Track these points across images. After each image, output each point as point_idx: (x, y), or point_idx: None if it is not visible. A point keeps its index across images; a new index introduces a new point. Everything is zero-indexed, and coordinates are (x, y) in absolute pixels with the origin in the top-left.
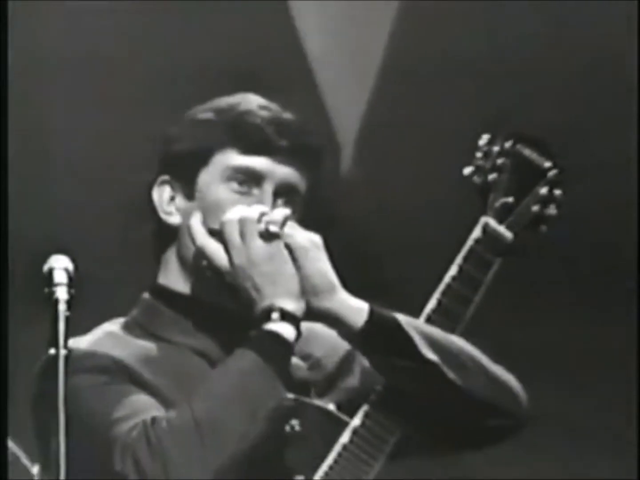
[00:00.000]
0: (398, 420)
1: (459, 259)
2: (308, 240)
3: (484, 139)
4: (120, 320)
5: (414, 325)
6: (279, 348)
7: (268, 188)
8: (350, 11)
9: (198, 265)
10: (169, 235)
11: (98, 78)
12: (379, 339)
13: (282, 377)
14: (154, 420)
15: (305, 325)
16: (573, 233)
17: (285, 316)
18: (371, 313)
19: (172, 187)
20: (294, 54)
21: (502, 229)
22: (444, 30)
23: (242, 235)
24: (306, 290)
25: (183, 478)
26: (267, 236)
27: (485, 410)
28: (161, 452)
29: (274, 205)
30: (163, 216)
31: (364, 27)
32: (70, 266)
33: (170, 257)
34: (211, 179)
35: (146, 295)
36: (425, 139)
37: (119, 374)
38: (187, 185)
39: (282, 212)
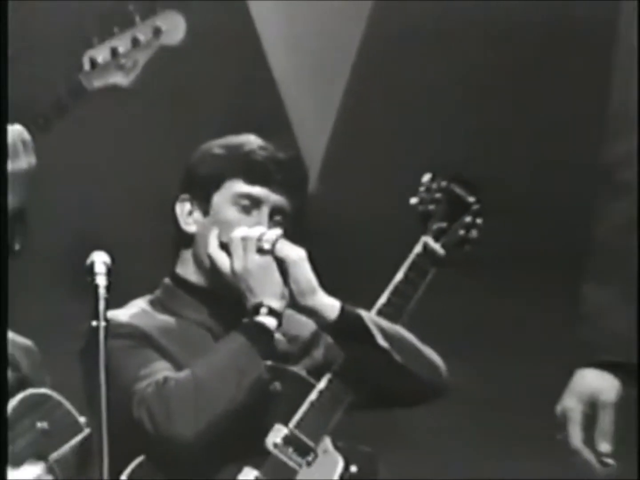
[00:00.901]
0: (352, 386)
1: (404, 267)
2: (296, 254)
3: (427, 177)
4: (148, 297)
5: (372, 319)
6: (263, 335)
7: (265, 210)
8: (316, 38)
9: (208, 266)
10: (187, 239)
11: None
12: (346, 330)
13: (264, 356)
14: (165, 379)
15: (287, 312)
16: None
17: (271, 311)
18: (342, 310)
19: (191, 204)
20: (266, 82)
21: (437, 247)
22: (404, 64)
23: (244, 249)
24: (295, 292)
25: (182, 426)
26: (262, 251)
27: (416, 381)
28: (167, 405)
29: (269, 224)
30: (183, 225)
31: (329, 57)
32: (107, 259)
33: (187, 256)
34: (222, 201)
35: (167, 280)
36: (380, 170)
37: (142, 340)
38: (203, 204)
39: (275, 232)
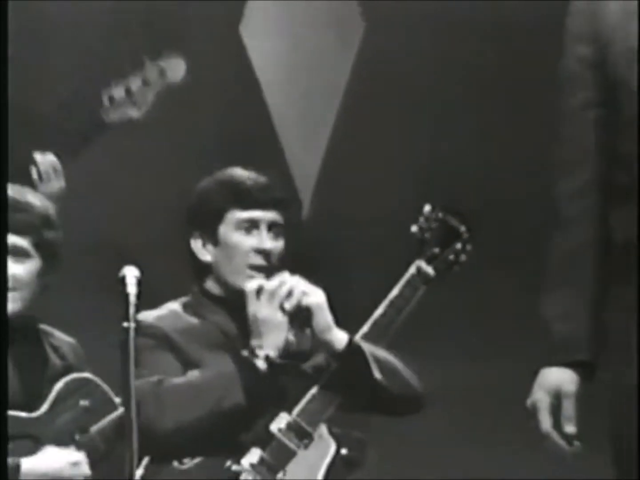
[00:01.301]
0: (343, 393)
1: (399, 285)
2: (318, 301)
3: (427, 208)
4: (182, 300)
5: (370, 350)
6: (252, 373)
7: (263, 228)
8: (308, 66)
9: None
10: (205, 267)
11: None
12: (349, 359)
13: (247, 389)
14: (159, 381)
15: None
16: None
17: (266, 357)
18: (349, 342)
19: (202, 238)
20: (262, 118)
21: (429, 269)
22: (395, 98)
23: (258, 299)
24: (315, 330)
25: (171, 422)
26: (283, 310)
27: (395, 397)
28: (157, 400)
29: (270, 236)
30: (200, 257)
31: (321, 89)
32: (137, 273)
33: (210, 278)
34: (227, 230)
35: (195, 289)
36: (371, 194)
37: (162, 341)
38: (212, 236)
39: (298, 288)
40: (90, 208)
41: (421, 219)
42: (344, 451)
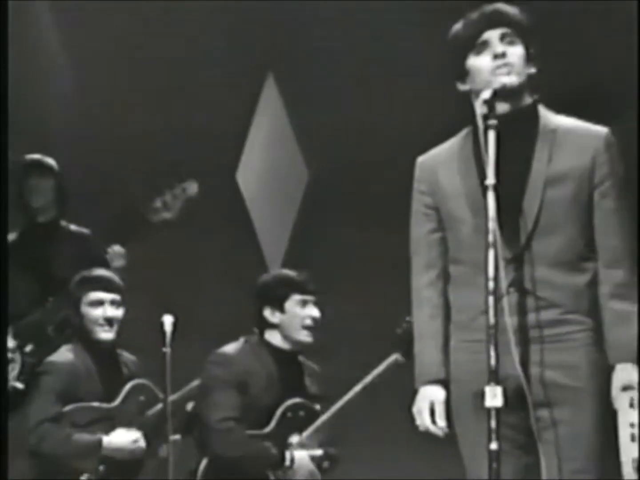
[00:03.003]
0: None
1: (375, 373)
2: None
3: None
4: (243, 339)
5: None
6: (276, 465)
7: (311, 304)
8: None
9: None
10: (272, 325)
11: None
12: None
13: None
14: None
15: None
16: None
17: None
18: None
19: (271, 310)
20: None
21: (403, 360)
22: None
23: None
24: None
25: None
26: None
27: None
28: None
29: (315, 309)
30: (270, 319)
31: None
32: (172, 320)
33: (274, 331)
34: (292, 305)
35: (256, 331)
36: (332, 268)
37: (233, 373)
38: (279, 308)
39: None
40: (148, 279)
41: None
42: (325, 464)
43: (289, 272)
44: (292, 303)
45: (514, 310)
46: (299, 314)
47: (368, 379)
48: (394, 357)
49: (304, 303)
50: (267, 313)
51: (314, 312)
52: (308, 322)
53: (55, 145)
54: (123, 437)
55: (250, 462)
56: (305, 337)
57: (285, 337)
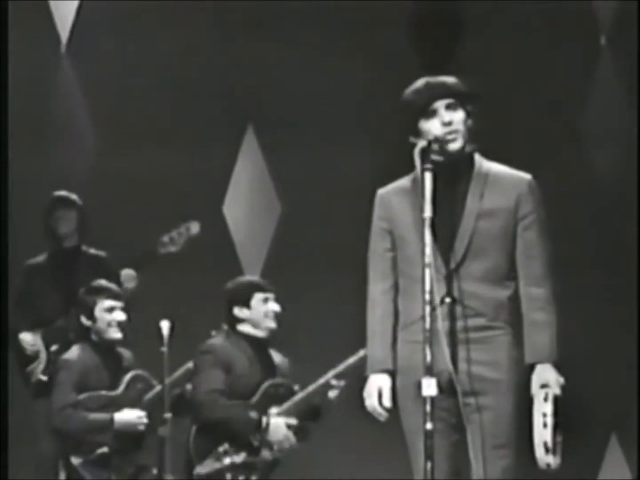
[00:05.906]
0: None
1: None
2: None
3: None
4: (224, 333)
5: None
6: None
7: (271, 300)
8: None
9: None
10: (242, 320)
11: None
12: None
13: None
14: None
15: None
16: None
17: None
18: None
19: (240, 307)
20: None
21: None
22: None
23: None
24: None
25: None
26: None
27: None
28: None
29: (275, 304)
30: (238, 314)
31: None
32: (168, 325)
33: (245, 324)
34: (257, 302)
35: (225, 327)
36: (307, 284)
37: (218, 357)
38: (245, 305)
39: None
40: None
41: None
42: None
43: (251, 277)
44: (256, 300)
45: (446, 317)
46: (263, 309)
47: (340, 367)
48: (363, 352)
49: (265, 300)
50: (237, 311)
51: (275, 306)
52: (271, 314)
53: (78, 184)
54: (130, 415)
55: (232, 424)
56: (270, 323)
57: (255, 326)
